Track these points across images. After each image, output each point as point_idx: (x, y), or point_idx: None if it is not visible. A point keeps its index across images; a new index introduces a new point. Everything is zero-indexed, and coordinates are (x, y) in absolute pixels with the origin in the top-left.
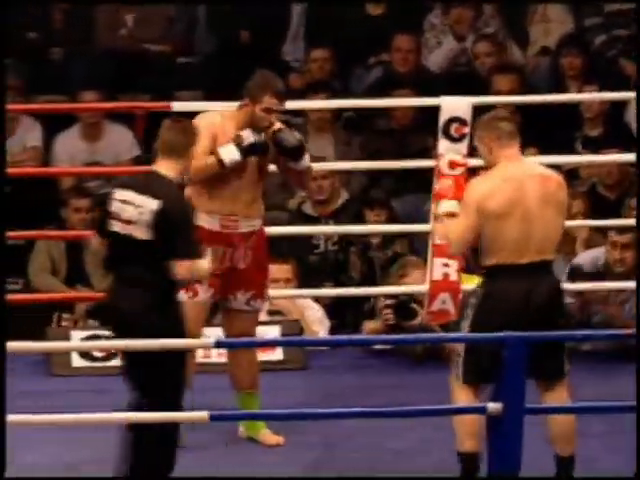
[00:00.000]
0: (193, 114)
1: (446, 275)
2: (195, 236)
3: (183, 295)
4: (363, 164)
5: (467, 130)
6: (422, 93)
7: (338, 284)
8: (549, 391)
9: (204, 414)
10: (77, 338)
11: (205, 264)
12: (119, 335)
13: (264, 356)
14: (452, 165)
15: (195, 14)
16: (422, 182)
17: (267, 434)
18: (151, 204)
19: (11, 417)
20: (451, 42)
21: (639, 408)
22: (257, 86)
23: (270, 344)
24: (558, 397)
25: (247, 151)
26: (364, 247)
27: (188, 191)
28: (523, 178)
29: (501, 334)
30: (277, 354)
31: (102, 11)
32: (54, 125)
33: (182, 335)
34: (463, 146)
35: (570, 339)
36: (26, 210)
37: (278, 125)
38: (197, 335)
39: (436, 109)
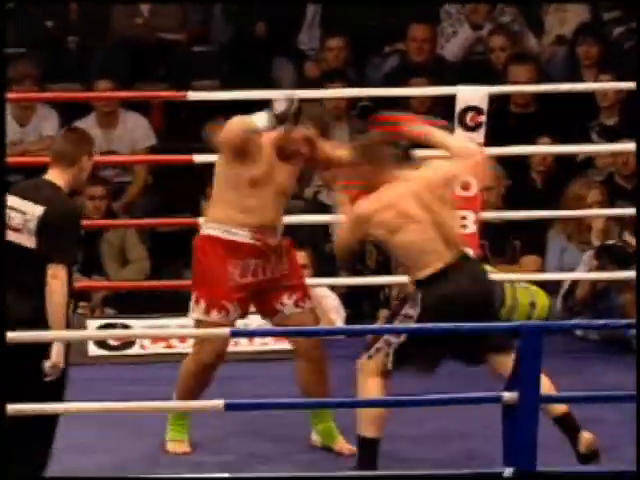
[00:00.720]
0: (209, 103)
1: None
2: (74, 244)
3: (214, 315)
4: None
5: (483, 119)
6: (438, 82)
7: (354, 273)
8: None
9: (219, 403)
10: (93, 327)
11: (60, 292)
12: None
13: (279, 345)
14: None
15: (211, 3)
16: None
17: (342, 443)
18: (35, 210)
19: (26, 406)
20: (467, 31)
21: (639, 401)
22: None
23: (286, 334)
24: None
25: (279, 118)
26: None
27: (212, 208)
28: (411, 190)
29: (517, 323)
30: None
31: (118, 0)
32: (70, 114)
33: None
34: (479, 135)
35: (583, 327)
36: None
37: None
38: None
39: (452, 98)
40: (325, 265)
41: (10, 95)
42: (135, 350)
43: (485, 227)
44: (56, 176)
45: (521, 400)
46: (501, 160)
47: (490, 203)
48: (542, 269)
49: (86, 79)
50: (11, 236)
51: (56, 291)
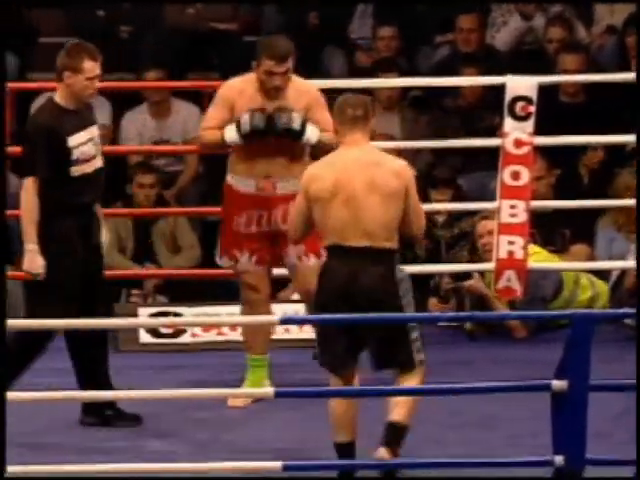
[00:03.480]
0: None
1: (511, 253)
2: (35, 157)
3: (225, 261)
4: (430, 142)
5: (533, 109)
6: (489, 72)
7: (404, 262)
8: (399, 380)
9: (269, 390)
10: (145, 315)
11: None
12: None
13: None
14: (518, 144)
15: None
16: (489, 160)
17: None
18: None
19: (78, 393)
20: (518, 21)
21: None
22: (259, 49)
23: (335, 321)
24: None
25: (246, 136)
26: (430, 225)
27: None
28: (349, 164)
29: (568, 312)
30: None
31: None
32: (123, 103)
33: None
34: (529, 125)
35: (632, 316)
36: None
37: (311, 93)
38: (256, 301)
39: (502, 88)
40: None
41: None
42: (186, 338)
43: (535, 216)
44: (57, 91)
45: (570, 389)
46: (551, 150)
47: (540, 193)
48: (591, 258)
49: (138, 68)
50: None
51: (22, 202)
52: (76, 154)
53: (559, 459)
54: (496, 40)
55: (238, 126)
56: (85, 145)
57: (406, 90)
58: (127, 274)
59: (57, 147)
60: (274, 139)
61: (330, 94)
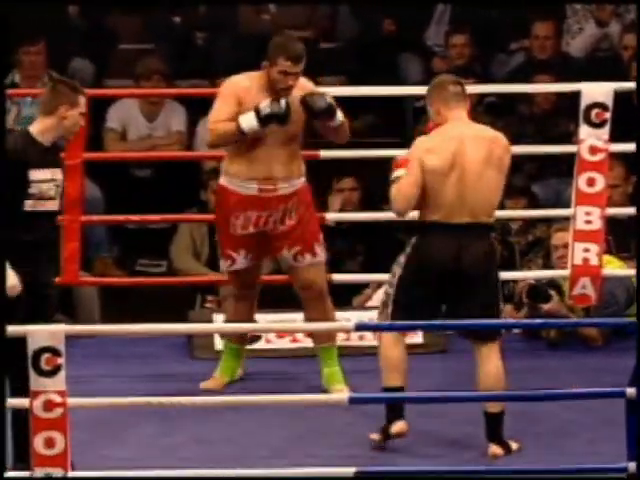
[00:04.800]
0: (335, 100)
1: (586, 260)
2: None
3: (223, 263)
4: None
5: (608, 116)
6: (564, 78)
7: None
8: (480, 351)
9: (343, 396)
10: (220, 321)
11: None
12: None
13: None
14: (593, 150)
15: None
16: (564, 167)
17: (342, 389)
18: None
19: (151, 399)
20: (593, 28)
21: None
22: (273, 49)
23: (410, 328)
24: (487, 357)
25: (265, 121)
26: (504, 232)
27: (226, 159)
28: (465, 139)
29: (634, 319)
30: (417, 338)
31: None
32: (198, 109)
33: None
34: (604, 132)
35: None
36: (169, 193)
37: (308, 89)
38: (247, 295)
39: (577, 94)
40: None
41: (138, 90)
42: (261, 345)
43: (610, 223)
44: (35, 124)
45: None
46: (627, 157)
47: (616, 201)
48: None
49: (213, 75)
50: None
51: None
52: (34, 189)
53: (632, 465)
54: (571, 47)
55: (257, 112)
56: (45, 184)
57: (481, 97)
58: (202, 280)
59: (17, 177)
60: (275, 138)
61: None
